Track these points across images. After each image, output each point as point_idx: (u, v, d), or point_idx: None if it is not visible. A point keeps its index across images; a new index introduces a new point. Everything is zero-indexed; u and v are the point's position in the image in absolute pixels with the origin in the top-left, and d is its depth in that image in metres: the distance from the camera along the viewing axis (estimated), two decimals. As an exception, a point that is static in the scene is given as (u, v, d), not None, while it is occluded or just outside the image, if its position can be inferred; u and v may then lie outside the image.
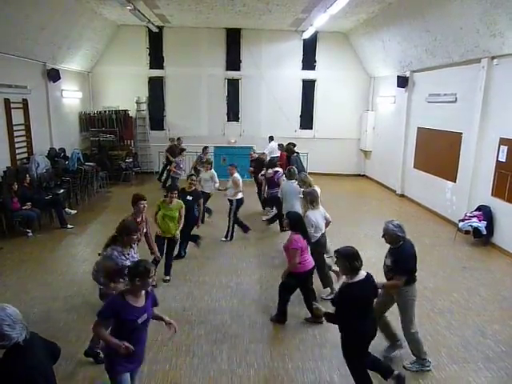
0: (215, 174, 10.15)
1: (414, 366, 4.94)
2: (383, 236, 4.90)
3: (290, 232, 5.86)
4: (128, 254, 4.66)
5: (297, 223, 5.75)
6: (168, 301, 6.53)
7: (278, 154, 13.19)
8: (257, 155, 12.25)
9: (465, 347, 5.44)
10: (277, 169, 10.17)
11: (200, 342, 5.41)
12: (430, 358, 4.98)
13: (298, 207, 7.91)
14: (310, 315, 5.96)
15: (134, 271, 3.55)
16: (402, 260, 4.75)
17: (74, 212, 10.80)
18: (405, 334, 4.92)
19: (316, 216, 6.44)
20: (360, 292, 4.01)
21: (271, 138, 15.13)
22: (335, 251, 4.20)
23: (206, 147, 12.87)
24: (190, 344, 5.37)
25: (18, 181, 9.77)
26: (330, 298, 6.27)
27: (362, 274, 4.08)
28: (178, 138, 14.69)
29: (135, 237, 4.78)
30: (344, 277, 4.17)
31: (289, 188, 8.49)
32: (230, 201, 9.40)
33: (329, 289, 6.70)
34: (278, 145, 13.53)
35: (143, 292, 3.65)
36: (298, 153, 11.95)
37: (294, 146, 12.18)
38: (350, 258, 4.03)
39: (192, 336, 5.56)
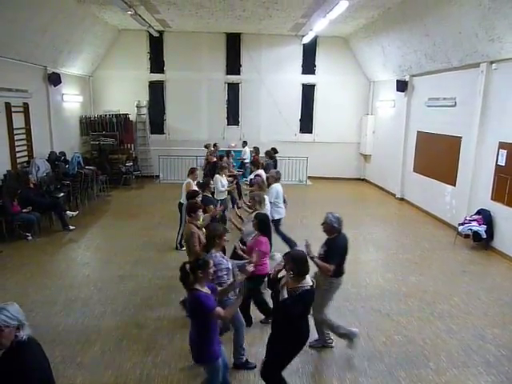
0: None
1: (319, 343, 5.39)
2: (322, 224, 5.18)
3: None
4: (226, 257, 4.95)
5: (265, 225, 5.69)
6: (167, 304, 6.51)
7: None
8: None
9: (465, 351, 5.43)
10: (258, 171, 10.05)
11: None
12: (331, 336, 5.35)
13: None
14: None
15: (195, 265, 3.80)
16: (333, 250, 5.02)
17: (75, 214, 10.73)
18: (314, 314, 5.11)
19: None
20: (310, 299, 4.10)
21: (245, 143, 15.46)
22: (285, 254, 4.27)
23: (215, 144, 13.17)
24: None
25: (22, 182, 9.81)
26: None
27: (309, 280, 4.09)
28: (214, 145, 14.52)
29: (225, 237, 4.92)
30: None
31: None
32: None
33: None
34: (254, 147, 13.65)
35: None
36: (275, 159, 12.64)
37: (276, 152, 12.83)
38: (299, 262, 4.04)
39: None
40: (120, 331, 5.69)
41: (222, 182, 9.38)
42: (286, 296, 4.02)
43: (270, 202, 7.94)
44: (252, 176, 10.08)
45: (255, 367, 4.90)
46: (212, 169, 11.09)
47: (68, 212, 10.59)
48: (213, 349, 3.84)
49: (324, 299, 5.12)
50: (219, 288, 4.35)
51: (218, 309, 3.74)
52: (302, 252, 4.23)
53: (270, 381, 4.23)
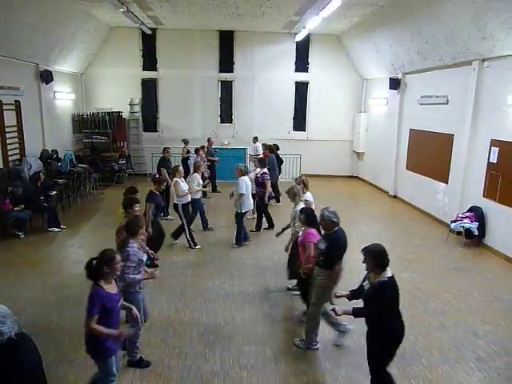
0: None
1: (303, 344, 5.38)
2: (320, 223, 5.24)
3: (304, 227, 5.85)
4: (142, 249, 4.95)
5: (311, 218, 5.75)
6: (161, 302, 6.52)
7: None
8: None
9: (456, 347, 5.47)
10: (264, 170, 10.19)
11: (193, 344, 5.40)
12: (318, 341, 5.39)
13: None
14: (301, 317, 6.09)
15: (100, 261, 3.79)
16: (336, 245, 5.03)
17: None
18: (309, 309, 5.34)
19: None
20: (396, 288, 4.01)
21: (256, 139, 15.30)
22: (363, 249, 4.14)
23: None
24: (183, 345, 5.36)
25: (33, 181, 10.00)
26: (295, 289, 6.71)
27: (389, 271, 4.03)
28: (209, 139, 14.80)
29: (143, 229, 5.02)
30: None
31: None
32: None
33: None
34: (262, 144, 14.04)
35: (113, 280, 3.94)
36: (277, 154, 13.27)
37: (278, 148, 13.28)
38: (378, 256, 4.01)
39: (185, 337, 5.55)
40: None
41: (198, 180, 9.29)
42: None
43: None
44: (259, 173, 10.18)
45: (149, 365, 4.91)
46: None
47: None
48: (105, 345, 3.82)
49: (324, 295, 5.16)
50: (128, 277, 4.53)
51: (95, 326, 3.66)
52: (379, 245, 4.13)
53: (374, 377, 4.25)
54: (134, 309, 4.33)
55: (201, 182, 9.52)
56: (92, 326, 3.66)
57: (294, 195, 6.85)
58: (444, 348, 5.45)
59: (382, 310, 3.91)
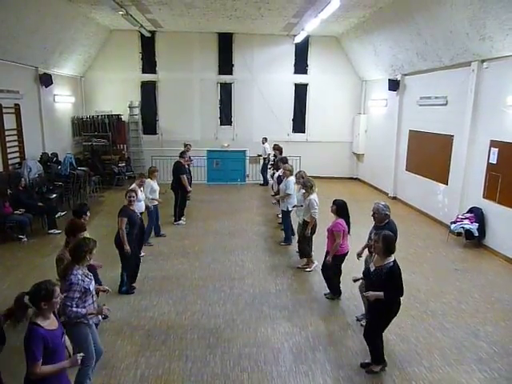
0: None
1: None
2: (373, 215, 5.73)
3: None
4: (89, 276, 4.26)
5: (342, 209, 6.51)
6: (161, 304, 6.52)
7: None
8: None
9: (458, 349, 5.47)
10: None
11: (193, 347, 5.40)
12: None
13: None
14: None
15: (37, 296, 3.29)
16: None
17: (63, 214, 10.70)
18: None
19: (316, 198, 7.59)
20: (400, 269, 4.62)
21: (265, 140, 15.32)
22: (379, 234, 4.65)
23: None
24: (183, 348, 5.35)
25: (12, 185, 9.74)
26: (306, 268, 7.93)
27: (392, 256, 4.61)
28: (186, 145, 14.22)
29: (92, 254, 4.30)
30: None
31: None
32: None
33: (305, 259, 8.04)
34: (276, 145, 13.95)
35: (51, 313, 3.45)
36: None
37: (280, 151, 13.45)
38: (389, 243, 4.56)
39: (185, 340, 5.54)
40: (114, 331, 5.68)
41: (153, 187, 8.94)
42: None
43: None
44: (280, 173, 10.22)
45: None
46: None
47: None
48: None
49: None
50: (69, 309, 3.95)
51: (42, 368, 3.20)
52: (391, 233, 4.71)
53: (371, 341, 4.87)
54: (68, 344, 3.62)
55: (155, 187, 9.05)
56: (38, 371, 3.19)
57: (311, 186, 7.57)
58: (445, 349, 5.44)
59: (399, 288, 4.54)
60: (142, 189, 8.29)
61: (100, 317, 4.62)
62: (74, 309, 3.99)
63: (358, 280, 5.25)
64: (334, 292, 6.80)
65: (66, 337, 3.61)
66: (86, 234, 5.28)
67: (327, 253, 6.59)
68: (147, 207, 8.72)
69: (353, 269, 6.47)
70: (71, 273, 4.07)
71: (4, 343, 4.28)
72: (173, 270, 7.95)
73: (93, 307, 4.21)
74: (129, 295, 6.79)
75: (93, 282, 4.26)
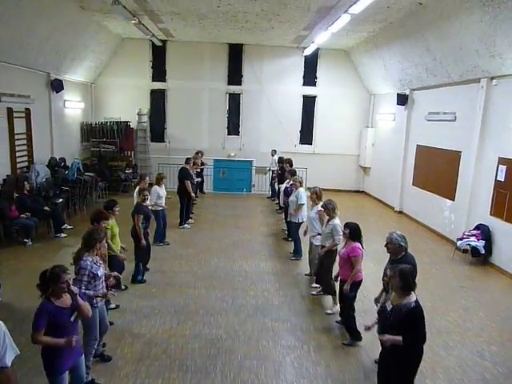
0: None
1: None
2: (386, 245, 5.05)
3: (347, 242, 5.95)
4: (98, 262, 4.71)
5: (356, 233, 5.83)
6: (163, 313, 6.49)
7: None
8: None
9: (462, 368, 5.38)
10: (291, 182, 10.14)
11: (194, 357, 5.36)
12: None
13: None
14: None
15: (48, 277, 3.73)
16: None
17: (70, 227, 10.62)
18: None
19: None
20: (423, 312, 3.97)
21: (274, 152, 15.32)
22: (395, 268, 4.09)
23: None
24: (184, 358, 5.31)
25: (17, 189, 9.78)
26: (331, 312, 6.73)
27: (414, 295, 4.01)
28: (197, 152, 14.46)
29: (102, 243, 4.90)
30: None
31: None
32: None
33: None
34: (279, 158, 14.06)
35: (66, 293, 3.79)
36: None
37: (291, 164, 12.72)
38: (407, 278, 3.98)
39: (186, 350, 5.50)
40: (115, 339, 5.65)
41: (159, 193, 9.17)
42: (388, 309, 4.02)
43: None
44: (288, 184, 10.31)
45: None
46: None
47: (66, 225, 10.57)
48: (56, 362, 3.74)
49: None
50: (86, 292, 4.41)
51: (40, 337, 3.60)
52: (409, 266, 4.14)
53: None
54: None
55: (162, 193, 9.28)
56: (37, 338, 3.60)
57: (333, 209, 6.79)
58: (449, 368, 5.36)
59: (421, 335, 3.89)
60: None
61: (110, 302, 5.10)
62: (82, 290, 4.36)
63: (370, 328, 4.48)
64: (354, 335, 5.85)
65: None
66: (111, 224, 6.14)
67: (341, 281, 5.92)
68: (154, 211, 8.94)
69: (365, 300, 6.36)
70: (81, 258, 4.55)
71: None
72: (176, 278, 7.93)
73: (101, 292, 4.64)
74: (131, 301, 6.77)
75: (101, 268, 4.71)
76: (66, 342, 3.64)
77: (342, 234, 6.45)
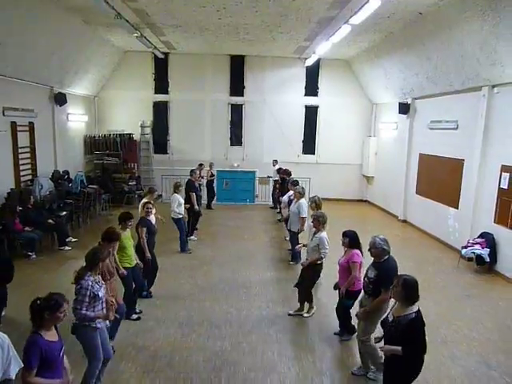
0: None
1: (360, 371, 5.29)
2: (369, 249, 5.10)
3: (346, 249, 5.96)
4: (100, 283, 4.57)
5: (355, 241, 5.83)
6: (167, 326, 6.46)
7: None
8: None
9: (468, 378, 5.32)
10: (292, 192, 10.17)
11: (198, 369, 5.32)
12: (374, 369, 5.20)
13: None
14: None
15: (43, 304, 3.43)
16: (386, 274, 4.79)
17: (74, 240, 10.68)
18: (358, 340, 5.31)
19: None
20: (423, 322, 3.92)
21: (276, 162, 15.40)
22: (398, 277, 4.07)
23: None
24: (188, 371, 5.28)
25: (21, 203, 9.83)
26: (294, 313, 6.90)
27: (416, 305, 3.97)
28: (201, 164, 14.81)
29: (105, 263, 4.84)
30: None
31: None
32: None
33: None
34: (278, 169, 14.34)
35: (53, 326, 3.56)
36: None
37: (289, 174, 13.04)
38: (410, 288, 3.94)
39: (190, 363, 5.47)
40: (119, 352, 5.61)
41: (179, 200, 9.68)
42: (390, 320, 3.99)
43: None
44: (286, 197, 10.46)
45: None
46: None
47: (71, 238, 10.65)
48: None
49: (372, 323, 5.04)
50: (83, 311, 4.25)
51: (34, 379, 3.29)
52: (413, 277, 4.04)
53: None
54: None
55: (181, 201, 9.78)
56: (28, 379, 3.27)
57: (324, 223, 6.62)
58: (455, 379, 5.30)
59: (420, 345, 3.83)
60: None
61: (108, 322, 4.83)
62: (83, 311, 4.28)
63: (380, 340, 4.29)
64: (350, 330, 6.14)
65: (65, 357, 3.71)
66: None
67: (340, 290, 5.91)
68: (176, 220, 9.52)
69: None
70: (83, 278, 4.37)
71: None
72: (180, 289, 7.91)
73: (101, 312, 4.47)
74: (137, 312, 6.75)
75: (102, 288, 4.52)
76: (61, 383, 3.47)
77: (327, 247, 6.45)
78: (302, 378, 5.24)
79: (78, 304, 4.27)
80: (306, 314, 6.89)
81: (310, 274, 6.69)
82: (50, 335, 3.46)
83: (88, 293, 4.31)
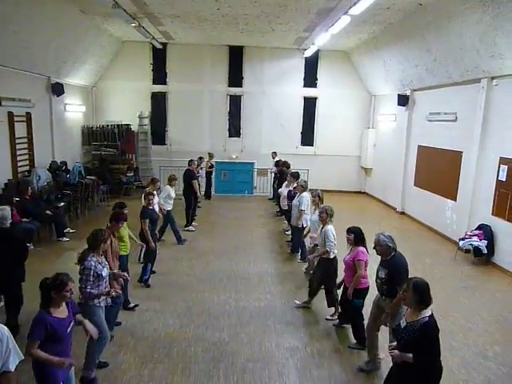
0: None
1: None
2: (374, 247, 5.00)
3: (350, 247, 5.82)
4: (103, 263, 4.80)
5: (361, 237, 5.70)
6: (166, 316, 6.49)
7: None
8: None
9: (466, 369, 5.37)
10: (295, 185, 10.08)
11: (197, 360, 5.35)
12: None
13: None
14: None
15: (51, 284, 3.67)
16: (397, 271, 4.74)
17: (72, 231, 10.70)
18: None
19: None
20: (437, 327, 3.74)
21: (275, 154, 15.37)
22: (409, 281, 3.89)
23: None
24: (187, 362, 5.30)
25: (19, 194, 9.78)
26: (332, 318, 6.58)
27: (429, 309, 3.76)
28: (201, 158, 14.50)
29: (106, 244, 4.98)
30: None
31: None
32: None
33: (333, 308, 6.69)
34: (276, 161, 14.28)
35: (64, 303, 3.77)
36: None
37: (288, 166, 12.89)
38: (422, 292, 3.72)
39: (189, 353, 5.50)
40: (117, 342, 5.64)
41: (170, 193, 9.65)
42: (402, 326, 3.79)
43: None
44: (292, 188, 10.22)
45: None
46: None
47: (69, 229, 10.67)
48: (48, 375, 3.63)
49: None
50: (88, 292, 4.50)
51: (35, 350, 3.48)
52: (424, 280, 3.85)
53: None
54: (86, 322, 4.08)
55: (172, 194, 9.72)
56: (31, 350, 3.49)
57: (331, 216, 6.59)
58: (453, 370, 5.33)
59: (433, 352, 3.64)
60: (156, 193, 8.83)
61: (109, 300, 4.96)
62: (88, 290, 4.53)
63: (395, 348, 3.86)
64: (361, 342, 5.72)
65: (87, 321, 4.09)
66: None
67: (346, 289, 5.75)
68: (162, 211, 9.36)
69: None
70: (86, 258, 4.62)
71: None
72: (178, 280, 7.93)
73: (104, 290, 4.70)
74: (135, 303, 6.76)
75: (105, 268, 4.76)
76: (58, 362, 3.56)
77: (333, 240, 6.40)
78: (300, 368, 5.27)
79: (82, 283, 4.53)
80: (328, 317, 6.65)
81: (322, 270, 6.61)
82: (59, 312, 3.69)
83: (92, 272, 4.56)
